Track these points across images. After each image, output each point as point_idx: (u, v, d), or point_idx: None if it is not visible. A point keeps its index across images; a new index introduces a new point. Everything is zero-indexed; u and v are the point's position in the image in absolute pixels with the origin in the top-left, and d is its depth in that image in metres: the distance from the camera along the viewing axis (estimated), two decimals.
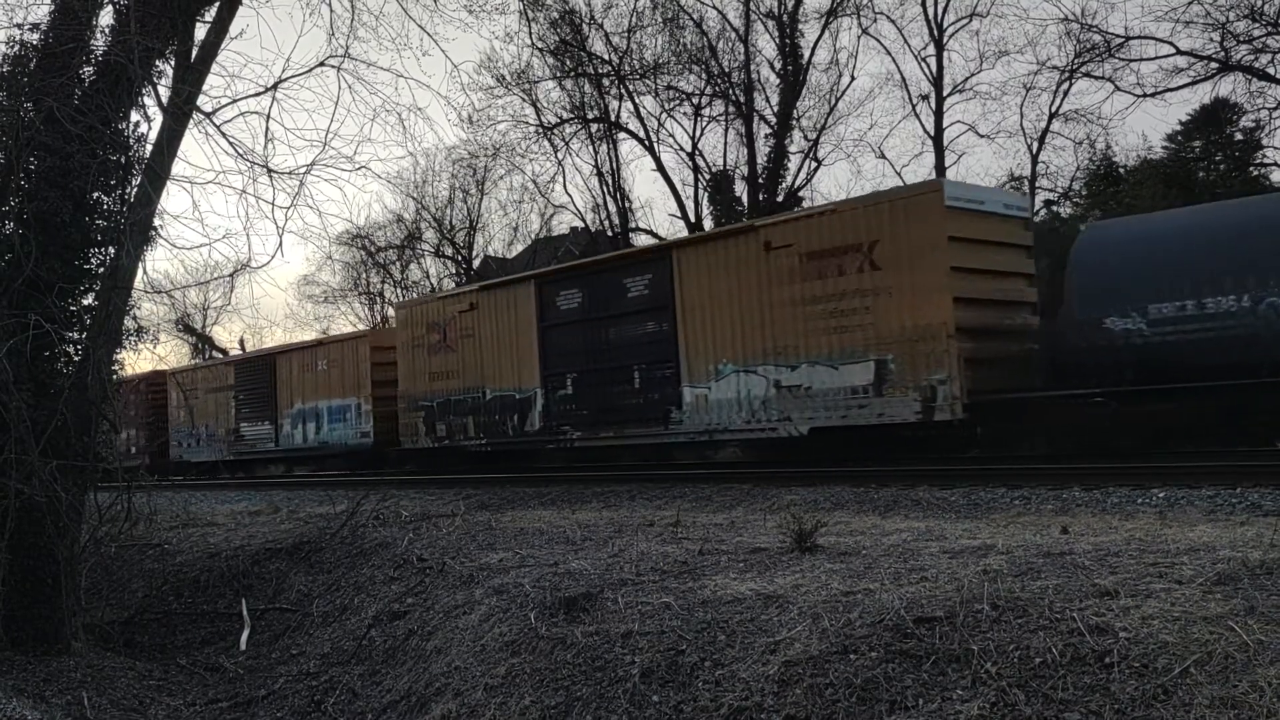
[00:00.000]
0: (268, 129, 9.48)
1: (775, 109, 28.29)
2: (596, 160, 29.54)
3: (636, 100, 28.73)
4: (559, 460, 17.50)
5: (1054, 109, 26.52)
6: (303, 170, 9.64)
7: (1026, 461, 11.49)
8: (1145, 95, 23.68)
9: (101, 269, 9.17)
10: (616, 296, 14.86)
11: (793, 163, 28.51)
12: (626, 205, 29.86)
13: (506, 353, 16.46)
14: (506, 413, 16.57)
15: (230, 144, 9.30)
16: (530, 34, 27.65)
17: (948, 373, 11.29)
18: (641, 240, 30.09)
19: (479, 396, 17.03)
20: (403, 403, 18.47)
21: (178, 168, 10.39)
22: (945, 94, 27.60)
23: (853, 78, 35.09)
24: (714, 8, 28.22)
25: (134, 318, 9.60)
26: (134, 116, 9.26)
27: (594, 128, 29.23)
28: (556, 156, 30.06)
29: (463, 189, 35.30)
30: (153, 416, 26.08)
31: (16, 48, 9.03)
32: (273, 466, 23.91)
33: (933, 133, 27.69)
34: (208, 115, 9.24)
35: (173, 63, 9.38)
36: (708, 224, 29.58)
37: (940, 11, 27.27)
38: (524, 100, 29.08)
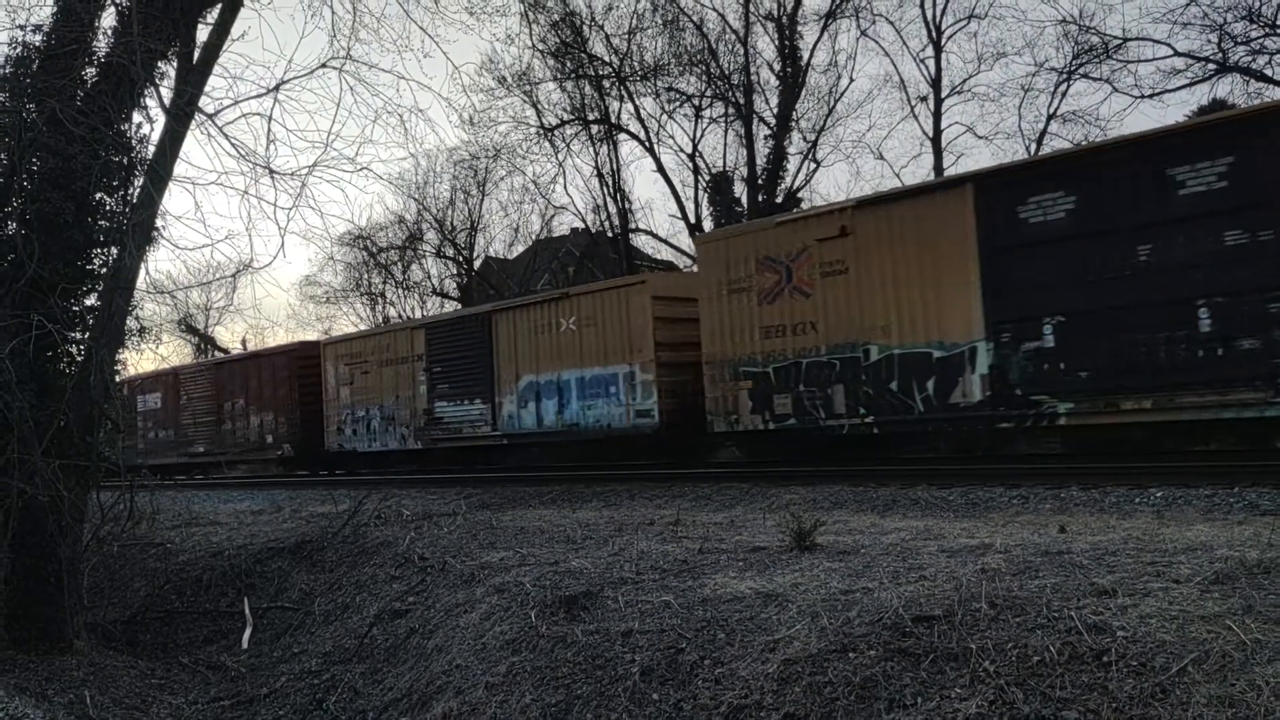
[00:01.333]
0: (269, 130, 9.55)
1: (775, 110, 28.31)
2: (597, 161, 29.57)
3: (637, 102, 28.77)
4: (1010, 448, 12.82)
5: (1052, 110, 26.57)
6: (305, 171, 9.65)
7: (1025, 461, 11.49)
8: (1143, 96, 23.73)
9: (104, 269, 9.19)
10: (1152, 196, 10.08)
11: (792, 164, 28.55)
12: (627, 206, 29.89)
13: (913, 292, 11.88)
14: (912, 378, 11.87)
15: (232, 145, 9.30)
16: (531, 36, 27.71)
17: None
18: (642, 241, 30.19)
19: (857, 357, 12.33)
20: (711, 369, 13.87)
21: (180, 169, 10.41)
22: (944, 95, 27.64)
23: (851, 79, 35.35)
24: (714, 10, 28.31)
25: (136, 318, 9.63)
26: (136, 118, 9.29)
27: (594, 129, 29.25)
28: (557, 158, 30.11)
29: (464, 190, 35.33)
30: (302, 397, 21.37)
31: (19, 49, 9.04)
32: (489, 457, 18.58)
33: (931, 134, 27.74)
34: (210, 116, 9.25)
35: (175, 64, 9.40)
36: (708, 225, 29.63)
37: (939, 13, 27.33)
38: (525, 102, 29.12)
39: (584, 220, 31.77)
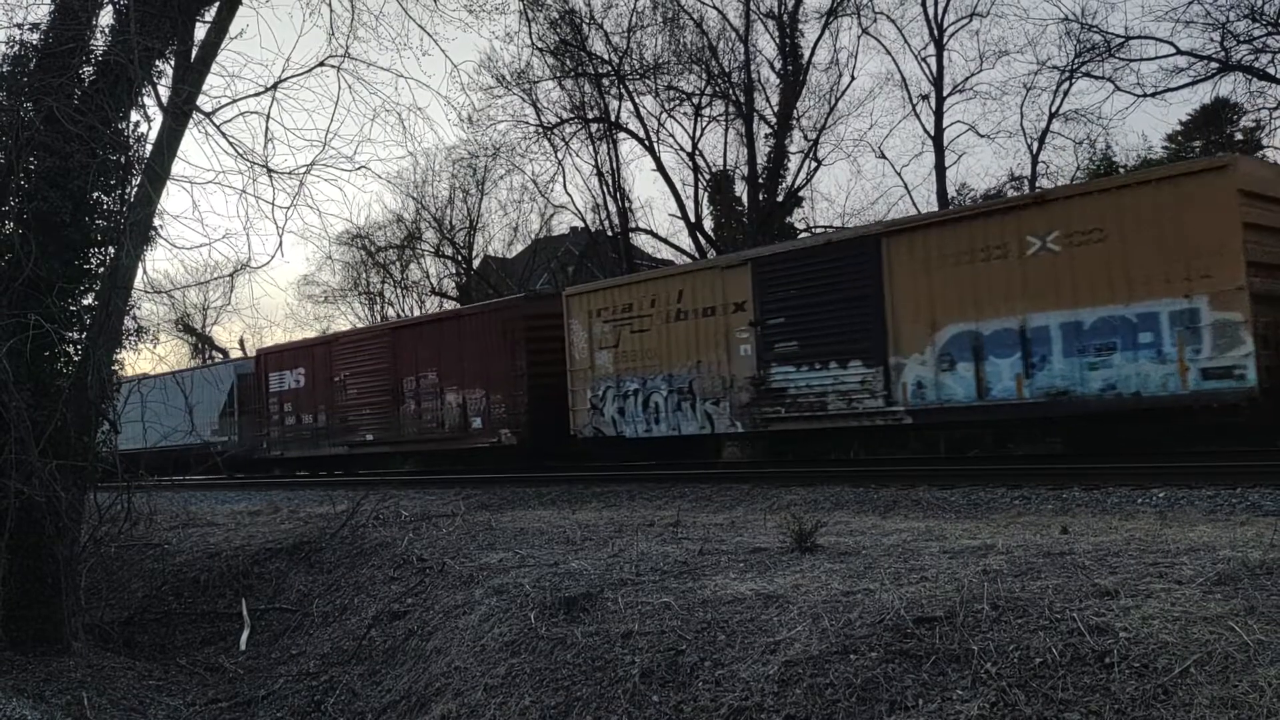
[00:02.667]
0: (267, 129, 9.47)
1: (775, 109, 28.26)
2: (596, 160, 29.51)
3: (636, 100, 28.70)
4: None
5: (1054, 109, 26.46)
6: (303, 170, 9.63)
7: (1026, 461, 11.46)
8: (1145, 95, 23.65)
9: (101, 269, 9.17)
10: None
11: (793, 163, 28.48)
12: (626, 205, 29.82)
13: None
14: None
15: (230, 144, 9.30)
16: (530, 34, 27.60)
17: None
18: (642, 240, 30.18)
19: None
20: None
21: (177, 168, 10.38)
22: (945, 94, 27.55)
23: (853, 78, 35.08)
24: (714, 7, 28.21)
25: (134, 318, 9.58)
26: (134, 116, 9.27)
27: (594, 128, 29.20)
28: (556, 156, 30.04)
29: (463, 189, 35.28)
30: (531, 367, 16.55)
31: (16, 47, 9.03)
32: (871, 443, 13.76)
33: (933, 132, 27.63)
34: (208, 115, 9.24)
35: (172, 62, 9.38)
36: (708, 224, 29.61)
37: (940, 11, 27.21)
38: (524, 100, 29.05)
39: (583, 219, 31.74)
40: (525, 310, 17.14)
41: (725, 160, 29.37)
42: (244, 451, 23.38)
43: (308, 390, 20.98)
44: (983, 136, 28.43)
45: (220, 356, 40.68)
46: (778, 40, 27.98)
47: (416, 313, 36.52)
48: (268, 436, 22.03)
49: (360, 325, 34.20)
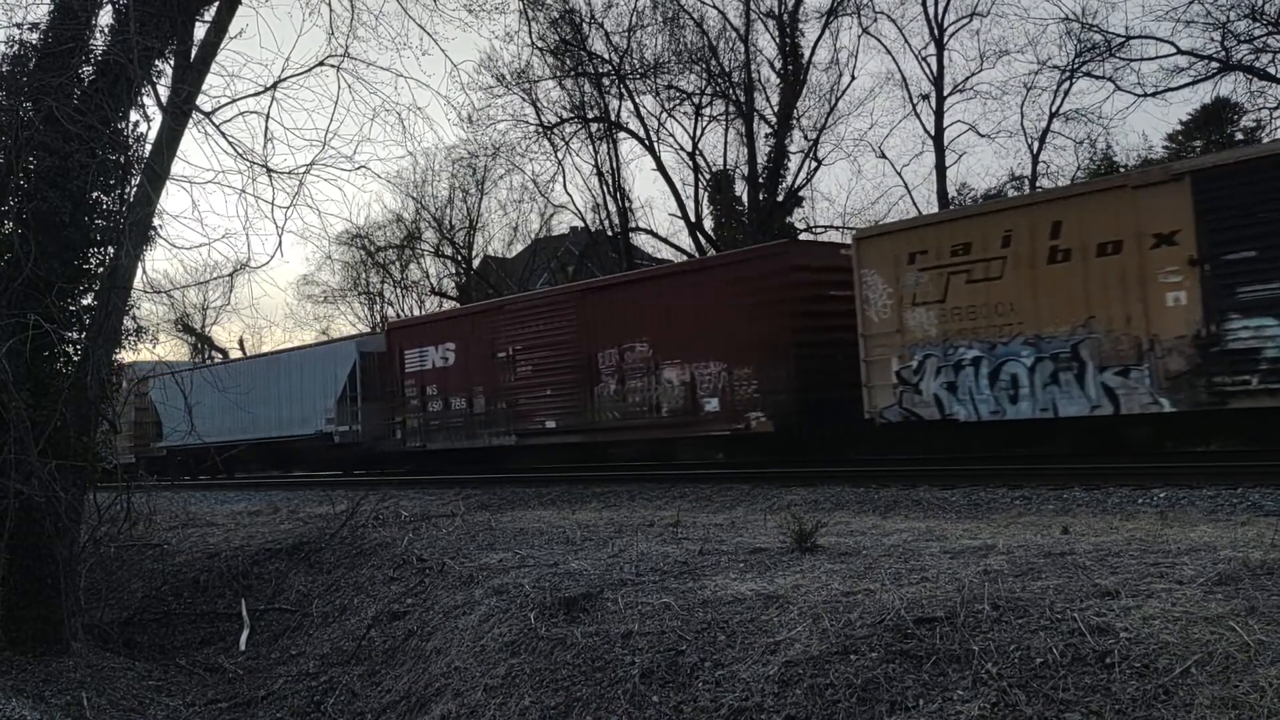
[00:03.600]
0: (267, 129, 9.45)
1: (775, 108, 28.28)
2: (596, 160, 29.53)
3: (636, 100, 28.73)
4: None
5: (1054, 108, 26.49)
6: (302, 170, 9.61)
7: (1027, 461, 11.45)
8: (1146, 95, 23.69)
9: (101, 269, 9.16)
10: None
11: (793, 162, 28.50)
12: (627, 205, 29.85)
13: None
14: None
15: (229, 144, 9.28)
16: (530, 33, 27.69)
17: None
18: (642, 240, 30.19)
19: None
20: None
21: (177, 167, 10.36)
22: (946, 93, 27.58)
23: (853, 77, 35.00)
24: (714, 7, 28.24)
25: (133, 317, 9.59)
26: (133, 116, 9.28)
27: (594, 127, 29.22)
28: (556, 156, 30.06)
29: (462, 189, 35.30)
30: (795, 335, 13.10)
31: (16, 47, 9.03)
32: None
33: (933, 132, 27.66)
34: (207, 115, 9.23)
35: (172, 62, 9.38)
36: (708, 224, 29.60)
37: (941, 11, 27.25)
38: (524, 100, 29.08)
39: (583, 219, 31.75)
40: (786, 261, 13.50)
41: (725, 160, 29.41)
42: (368, 444, 20.11)
43: (459, 369, 17.52)
44: (983, 136, 28.47)
45: (220, 356, 40.67)
46: (778, 40, 28.02)
47: (416, 312, 36.51)
48: (403, 425, 18.56)
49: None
